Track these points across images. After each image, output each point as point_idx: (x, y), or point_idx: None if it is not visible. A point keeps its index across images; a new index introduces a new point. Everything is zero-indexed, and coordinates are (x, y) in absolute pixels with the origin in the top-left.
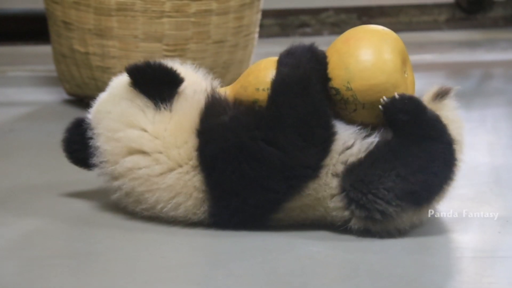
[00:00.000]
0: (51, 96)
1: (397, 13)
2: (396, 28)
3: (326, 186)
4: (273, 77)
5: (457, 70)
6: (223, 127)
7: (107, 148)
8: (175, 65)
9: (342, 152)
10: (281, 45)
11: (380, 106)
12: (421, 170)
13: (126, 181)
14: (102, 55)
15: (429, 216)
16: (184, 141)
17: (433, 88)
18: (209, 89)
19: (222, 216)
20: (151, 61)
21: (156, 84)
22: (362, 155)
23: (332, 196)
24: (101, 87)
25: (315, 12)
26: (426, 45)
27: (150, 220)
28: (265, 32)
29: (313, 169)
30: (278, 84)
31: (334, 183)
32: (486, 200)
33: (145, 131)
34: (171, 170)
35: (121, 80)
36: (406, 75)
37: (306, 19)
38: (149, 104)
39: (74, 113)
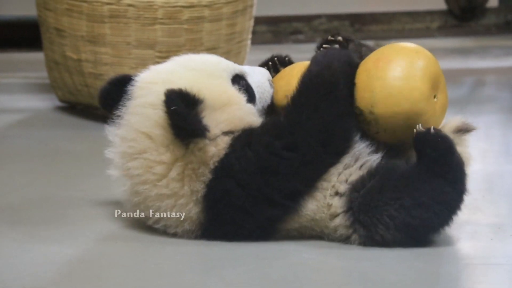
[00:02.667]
0: (44, 103)
1: (390, 20)
2: (388, 36)
3: (325, 208)
4: (302, 75)
5: (449, 77)
6: (240, 161)
7: (125, 135)
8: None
9: (341, 172)
10: (273, 52)
11: (413, 136)
12: (425, 207)
13: (127, 182)
14: (95, 62)
15: None
16: (191, 179)
17: (456, 120)
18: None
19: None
20: (195, 101)
21: (176, 125)
22: (364, 171)
23: (333, 215)
24: (94, 94)
25: (307, 19)
26: None
27: (143, 228)
28: (258, 39)
29: (318, 178)
30: (305, 82)
31: (335, 202)
32: (479, 207)
33: (157, 146)
34: (168, 197)
35: (181, 77)
36: (435, 100)
37: (299, 26)
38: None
39: (66, 120)
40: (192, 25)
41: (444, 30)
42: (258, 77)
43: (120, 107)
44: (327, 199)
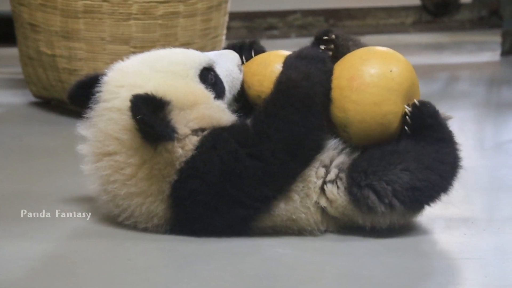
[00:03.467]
0: (18, 98)
1: (364, 16)
2: (363, 31)
3: (306, 207)
4: (277, 79)
5: (424, 73)
6: (208, 161)
7: (93, 136)
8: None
9: (318, 168)
10: None
11: (407, 117)
12: (431, 169)
13: (97, 179)
14: (69, 57)
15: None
16: (158, 179)
17: None
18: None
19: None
20: (162, 104)
21: (144, 131)
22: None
23: (333, 202)
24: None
25: (282, 14)
26: (393, 48)
27: (116, 224)
28: (233, 35)
29: (288, 184)
30: (281, 91)
31: (330, 190)
32: (452, 201)
33: (125, 148)
34: (137, 195)
35: (148, 78)
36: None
37: (274, 21)
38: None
39: (41, 116)
40: (167, 21)
41: (419, 26)
42: (226, 64)
43: (89, 107)
44: (309, 197)
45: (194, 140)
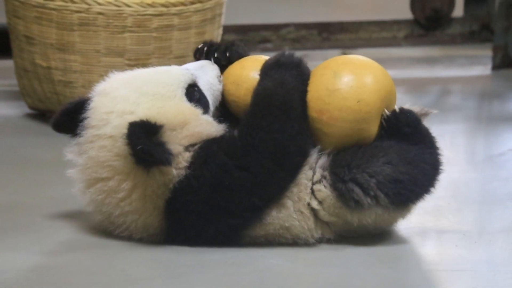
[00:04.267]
0: (13, 110)
1: (357, 29)
2: (356, 44)
3: (299, 216)
4: (254, 90)
5: (416, 86)
6: (198, 177)
7: (84, 163)
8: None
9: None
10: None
11: (383, 121)
12: (413, 164)
13: (90, 202)
14: (64, 70)
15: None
16: (151, 202)
17: (414, 108)
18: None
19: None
20: (156, 130)
21: (141, 158)
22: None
23: (322, 200)
24: (63, 101)
25: (275, 28)
26: (386, 61)
27: (111, 235)
28: None
29: (278, 194)
30: (257, 101)
31: (320, 189)
32: (444, 214)
33: (118, 175)
34: (132, 213)
35: (137, 103)
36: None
37: (267, 34)
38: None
39: (36, 127)
40: (161, 33)
41: (411, 39)
42: (207, 77)
43: (76, 133)
44: (302, 201)
45: (187, 156)
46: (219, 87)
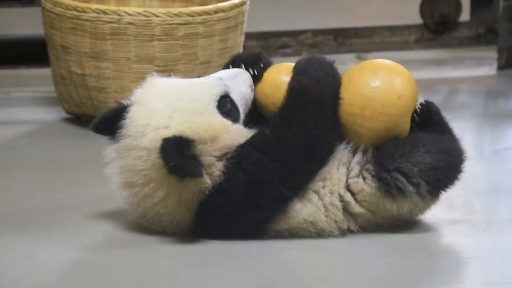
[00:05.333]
0: (51, 115)
1: (370, 34)
2: (369, 48)
3: (327, 210)
4: (290, 85)
5: (426, 86)
6: (231, 180)
7: (121, 165)
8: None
9: (339, 167)
10: None
11: (415, 114)
12: (446, 152)
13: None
14: (98, 76)
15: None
16: (186, 203)
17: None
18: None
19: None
20: (188, 145)
21: (178, 168)
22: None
23: (360, 193)
24: (97, 106)
25: (294, 34)
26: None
27: (144, 229)
28: None
29: (304, 183)
30: (293, 97)
31: (356, 183)
32: (454, 206)
33: (153, 182)
34: (167, 214)
35: (171, 117)
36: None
37: (287, 40)
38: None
39: (72, 130)
40: (187, 41)
41: (421, 43)
42: (240, 88)
43: (114, 137)
44: (333, 194)
45: (220, 165)
46: (251, 96)
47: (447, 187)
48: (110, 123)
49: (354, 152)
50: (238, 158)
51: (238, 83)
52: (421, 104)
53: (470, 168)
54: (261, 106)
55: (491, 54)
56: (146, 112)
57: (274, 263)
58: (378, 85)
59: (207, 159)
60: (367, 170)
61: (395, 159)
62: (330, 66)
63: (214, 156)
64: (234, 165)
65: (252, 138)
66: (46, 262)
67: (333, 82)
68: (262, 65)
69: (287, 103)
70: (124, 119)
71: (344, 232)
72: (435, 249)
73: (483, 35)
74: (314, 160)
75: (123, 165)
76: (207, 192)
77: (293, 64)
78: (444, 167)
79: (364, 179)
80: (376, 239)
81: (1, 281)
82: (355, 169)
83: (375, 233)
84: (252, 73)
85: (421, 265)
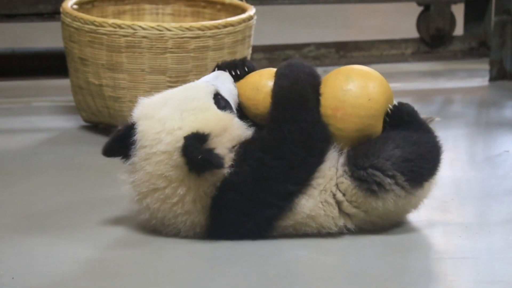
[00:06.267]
0: (70, 123)
1: (370, 48)
2: (369, 61)
3: (324, 206)
4: (273, 90)
5: (422, 97)
6: (239, 173)
7: (140, 178)
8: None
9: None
10: None
11: (386, 116)
12: (417, 145)
13: (145, 211)
14: (114, 87)
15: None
16: (201, 200)
17: (422, 116)
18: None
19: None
20: (207, 138)
21: (200, 165)
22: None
23: (332, 215)
24: (113, 115)
25: (298, 47)
26: (395, 75)
27: (157, 231)
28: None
29: (309, 177)
30: (278, 99)
31: (344, 182)
32: (448, 209)
33: (172, 183)
34: (182, 215)
35: (181, 119)
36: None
37: (291, 53)
38: (186, 167)
39: (90, 138)
40: (198, 53)
41: (417, 56)
42: (226, 85)
43: (127, 155)
44: (328, 192)
45: (231, 156)
46: (235, 91)
47: (426, 176)
48: (120, 144)
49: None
50: (243, 152)
51: (222, 81)
52: (393, 106)
53: (463, 173)
54: (244, 107)
55: (483, 66)
56: (155, 121)
57: (279, 263)
58: (350, 88)
59: (222, 151)
60: (345, 171)
61: (368, 157)
62: (309, 67)
63: (227, 148)
64: (240, 159)
65: (252, 138)
66: (63, 261)
67: (312, 79)
68: (246, 69)
69: (274, 106)
70: (133, 136)
71: (342, 229)
72: (431, 249)
73: (475, 49)
74: (313, 153)
75: (141, 176)
76: (220, 184)
77: (275, 69)
78: (416, 158)
79: (345, 179)
80: (375, 240)
81: (22, 278)
82: (340, 170)
83: (374, 234)
84: (235, 73)
85: (418, 264)
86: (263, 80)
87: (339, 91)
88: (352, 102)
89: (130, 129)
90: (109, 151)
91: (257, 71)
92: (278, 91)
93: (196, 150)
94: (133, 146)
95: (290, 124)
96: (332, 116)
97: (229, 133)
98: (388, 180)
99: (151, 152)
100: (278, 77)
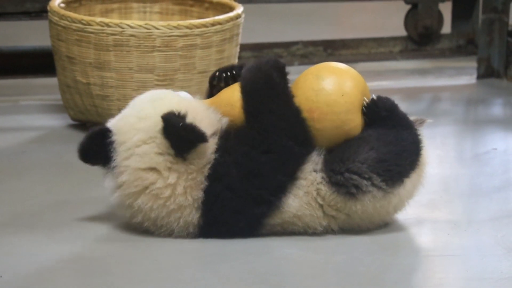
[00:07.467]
0: (58, 121)
1: (358, 46)
2: (356, 59)
3: (309, 206)
4: (239, 84)
5: (410, 94)
6: (227, 164)
7: (127, 179)
8: (200, 110)
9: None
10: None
11: (363, 108)
12: (393, 144)
13: (136, 214)
14: (102, 85)
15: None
16: (193, 188)
17: (412, 117)
18: (219, 131)
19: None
20: (186, 117)
21: (183, 141)
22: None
23: (317, 215)
24: (101, 113)
25: (286, 45)
26: (383, 73)
27: (144, 230)
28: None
29: (298, 167)
30: (246, 92)
31: (322, 188)
32: (437, 206)
33: (162, 176)
34: (175, 211)
35: (151, 110)
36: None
37: (279, 51)
38: (171, 151)
39: (78, 136)
40: (186, 52)
41: (405, 54)
42: (187, 97)
43: (105, 160)
44: (310, 194)
45: (215, 141)
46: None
47: (403, 174)
48: (97, 148)
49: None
50: (224, 143)
51: (184, 94)
52: (370, 99)
53: (451, 171)
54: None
55: (471, 64)
56: (128, 117)
57: (269, 261)
58: (322, 87)
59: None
60: (323, 178)
61: (344, 162)
62: (268, 58)
63: (208, 133)
64: (222, 149)
65: (236, 134)
66: (52, 259)
67: (274, 63)
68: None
69: (245, 100)
70: (108, 138)
71: (327, 229)
72: (420, 246)
73: (463, 47)
74: (298, 143)
75: (127, 178)
76: (207, 173)
77: None
78: (391, 158)
79: (324, 185)
80: (364, 238)
81: (10, 277)
82: (318, 175)
83: (362, 232)
84: (231, 74)
85: (406, 262)
86: (236, 94)
87: (311, 92)
88: (326, 101)
89: (104, 132)
90: (86, 157)
91: (229, 86)
92: (244, 85)
93: (176, 121)
94: (111, 148)
95: (266, 115)
96: (309, 118)
97: (206, 118)
98: (365, 182)
99: (131, 145)
100: (242, 73)
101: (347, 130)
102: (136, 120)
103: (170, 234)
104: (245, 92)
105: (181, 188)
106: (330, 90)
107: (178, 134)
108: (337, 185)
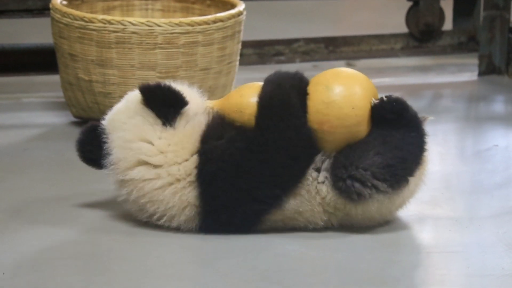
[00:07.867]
0: (60, 118)
1: (359, 43)
2: (358, 56)
3: (310, 203)
4: (258, 96)
5: (411, 91)
6: (221, 148)
7: (119, 156)
8: (182, 88)
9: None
10: (259, 71)
11: (372, 108)
12: (398, 148)
13: (131, 189)
14: (104, 82)
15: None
16: (184, 158)
17: None
18: (209, 111)
19: (211, 228)
20: (162, 82)
21: (164, 104)
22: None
23: (317, 210)
24: (103, 110)
25: (288, 42)
26: (385, 70)
27: (147, 225)
28: (245, 61)
29: (295, 184)
30: (262, 105)
31: (322, 188)
32: (438, 203)
33: (152, 145)
34: (170, 184)
35: (136, 95)
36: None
37: (281, 48)
38: (158, 121)
39: None
40: (188, 49)
41: (407, 51)
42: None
43: (101, 153)
44: (310, 193)
45: (204, 118)
46: None
47: (408, 176)
48: (94, 137)
49: (326, 157)
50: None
51: None
52: (379, 101)
53: (453, 168)
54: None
55: (473, 61)
56: (115, 111)
57: (269, 258)
58: (332, 99)
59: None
60: (326, 178)
61: (347, 168)
62: (294, 72)
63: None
64: (215, 141)
65: (238, 131)
66: (55, 256)
67: (296, 81)
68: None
69: (259, 111)
70: (100, 136)
71: (328, 225)
72: (421, 243)
73: (465, 43)
74: (298, 161)
75: (120, 154)
76: (198, 148)
77: (257, 84)
78: (398, 162)
79: (326, 186)
80: (365, 235)
81: (12, 274)
82: (321, 175)
83: (363, 228)
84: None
85: (407, 259)
86: (245, 100)
87: (322, 105)
88: (336, 114)
89: (96, 126)
90: (82, 145)
91: (237, 90)
92: (261, 97)
93: (153, 88)
94: (104, 143)
95: (273, 133)
96: (319, 130)
97: (193, 98)
98: (368, 190)
99: (118, 136)
100: (264, 83)
101: (357, 139)
102: (123, 107)
103: (169, 219)
104: (261, 105)
105: (172, 155)
106: (341, 103)
107: (156, 96)
108: (338, 190)
